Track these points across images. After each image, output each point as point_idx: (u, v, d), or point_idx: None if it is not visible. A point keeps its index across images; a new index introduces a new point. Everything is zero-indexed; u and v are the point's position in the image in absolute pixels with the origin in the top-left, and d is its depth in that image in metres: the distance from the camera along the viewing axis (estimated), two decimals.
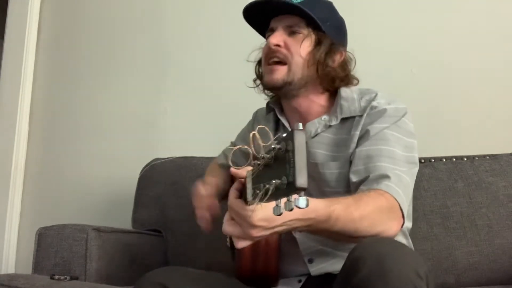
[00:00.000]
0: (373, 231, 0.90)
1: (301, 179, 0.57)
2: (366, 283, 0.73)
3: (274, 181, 0.60)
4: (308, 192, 1.07)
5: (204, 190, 1.14)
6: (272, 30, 1.13)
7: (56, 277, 1.20)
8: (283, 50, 1.10)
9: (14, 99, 2.13)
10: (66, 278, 1.20)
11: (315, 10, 1.08)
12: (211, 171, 1.31)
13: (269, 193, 0.61)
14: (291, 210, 0.60)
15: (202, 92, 1.96)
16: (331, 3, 1.18)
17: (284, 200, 0.61)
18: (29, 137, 2.14)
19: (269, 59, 1.12)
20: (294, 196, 0.59)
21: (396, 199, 0.95)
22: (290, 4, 1.08)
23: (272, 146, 0.63)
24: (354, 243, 0.98)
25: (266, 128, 0.75)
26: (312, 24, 1.09)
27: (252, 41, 1.19)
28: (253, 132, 0.71)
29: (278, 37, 1.10)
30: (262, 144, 0.68)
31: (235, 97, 1.84)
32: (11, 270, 2.01)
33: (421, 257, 0.82)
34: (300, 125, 0.60)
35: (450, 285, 1.36)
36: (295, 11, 1.08)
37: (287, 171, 0.59)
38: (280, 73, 1.10)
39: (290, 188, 0.58)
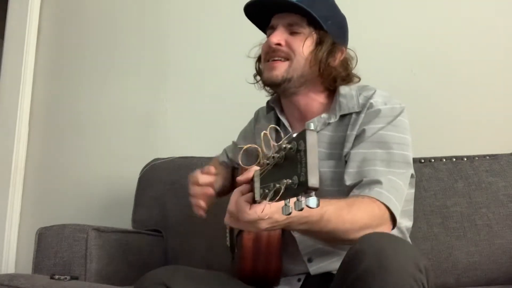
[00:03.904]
0: (362, 235, 0.91)
1: (313, 179, 0.58)
2: (366, 276, 0.73)
3: (285, 181, 0.61)
4: None
5: (201, 179, 1.12)
6: (273, 28, 1.13)
7: (56, 277, 1.20)
8: (285, 49, 1.10)
9: (14, 99, 2.12)
10: (66, 278, 1.20)
11: (315, 8, 1.07)
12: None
13: (280, 192, 0.62)
14: (301, 210, 0.60)
15: (202, 92, 1.96)
16: (332, 0, 1.17)
17: (293, 200, 0.61)
18: (29, 137, 2.14)
19: (269, 58, 1.11)
20: (304, 195, 0.59)
21: (387, 206, 0.97)
22: (291, 3, 1.07)
23: (283, 145, 0.63)
24: (347, 245, 0.99)
25: (278, 128, 0.75)
26: (313, 23, 1.09)
27: (253, 41, 1.19)
28: (264, 131, 0.72)
29: (279, 36, 1.10)
30: (273, 143, 0.68)
31: (235, 97, 1.84)
32: (11, 270, 2.01)
33: (420, 252, 0.83)
34: (312, 125, 0.61)
35: (450, 285, 1.36)
36: (297, 9, 1.08)
37: (298, 170, 0.59)
38: (279, 69, 1.10)
39: (300, 188, 0.59)
